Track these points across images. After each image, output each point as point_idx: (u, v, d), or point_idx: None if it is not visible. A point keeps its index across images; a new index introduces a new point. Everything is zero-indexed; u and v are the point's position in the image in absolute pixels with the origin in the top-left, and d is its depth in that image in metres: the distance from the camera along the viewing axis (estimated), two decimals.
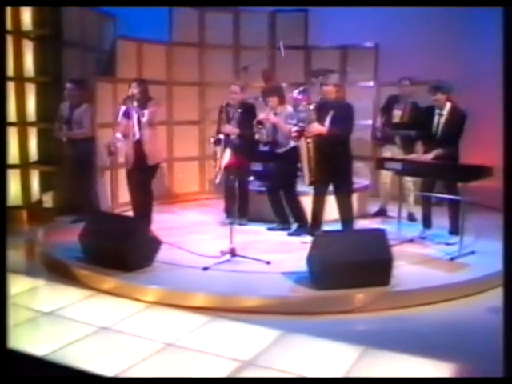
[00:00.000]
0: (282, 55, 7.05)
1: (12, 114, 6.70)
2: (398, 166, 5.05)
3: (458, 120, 5.12)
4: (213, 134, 6.13)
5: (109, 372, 3.12)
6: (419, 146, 5.55)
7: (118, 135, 5.57)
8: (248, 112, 5.87)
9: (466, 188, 4.98)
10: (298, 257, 4.57)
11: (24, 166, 6.87)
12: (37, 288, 4.65)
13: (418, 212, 5.98)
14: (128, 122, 5.60)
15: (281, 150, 5.83)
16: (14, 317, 3.80)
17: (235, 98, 5.94)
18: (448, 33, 7.38)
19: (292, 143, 5.68)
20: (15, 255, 5.63)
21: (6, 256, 2.75)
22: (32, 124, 6.92)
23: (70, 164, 6.36)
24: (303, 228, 5.60)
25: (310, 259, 4.25)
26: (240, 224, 6.08)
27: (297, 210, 5.72)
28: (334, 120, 5.11)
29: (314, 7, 7.72)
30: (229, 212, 6.05)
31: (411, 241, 5.36)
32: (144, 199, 5.81)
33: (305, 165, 5.17)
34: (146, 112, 5.58)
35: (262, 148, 6.35)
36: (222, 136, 5.83)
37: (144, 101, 5.68)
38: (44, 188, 7.07)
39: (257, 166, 6.39)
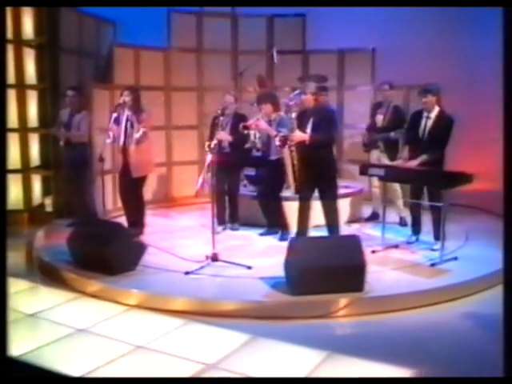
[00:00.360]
0: (275, 61, 7.16)
1: (13, 120, 6.96)
2: (381, 172, 5.12)
3: (445, 124, 5.14)
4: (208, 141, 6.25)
5: (75, 373, 3.28)
6: (405, 151, 5.60)
7: (108, 141, 5.76)
8: (240, 122, 5.98)
9: (461, 192, 5.03)
10: (280, 262, 4.66)
11: (25, 170, 7.12)
12: (25, 290, 4.83)
13: (409, 216, 6.03)
14: (118, 128, 5.80)
15: (274, 157, 5.94)
16: None
17: (229, 107, 6.05)
18: (445, 35, 7.42)
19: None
20: (12, 257, 5.87)
21: (6, 261, 2.86)
22: (33, 130, 7.16)
23: (67, 168, 6.57)
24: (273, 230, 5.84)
25: (286, 264, 4.35)
26: (232, 229, 6.23)
27: (278, 215, 5.84)
28: (314, 126, 5.19)
29: (312, 10, 7.82)
30: (220, 219, 6.19)
31: (397, 246, 5.43)
32: (135, 205, 6.00)
33: (290, 173, 5.27)
34: (140, 130, 5.73)
35: (255, 153, 6.51)
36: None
37: (136, 109, 5.86)
38: (46, 192, 7.33)
39: (250, 172, 6.53)
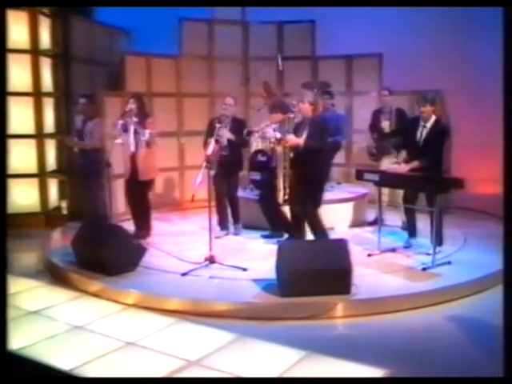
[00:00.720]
0: (280, 68, 7.33)
1: (31, 127, 7.33)
2: (375, 177, 5.24)
3: (440, 133, 5.27)
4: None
5: (65, 366, 3.52)
6: (401, 156, 5.69)
7: (118, 141, 6.02)
8: (239, 126, 6.16)
9: (471, 196, 5.09)
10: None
11: (42, 175, 7.46)
12: (32, 288, 5.11)
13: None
14: (125, 135, 6.06)
15: (276, 163, 6.10)
16: None
17: (229, 109, 6.23)
18: (453, 40, 7.49)
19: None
20: (25, 258, 6.24)
21: (6, 260, 3.08)
22: (50, 136, 7.51)
23: (80, 173, 6.87)
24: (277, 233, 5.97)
25: (277, 267, 4.53)
26: (234, 234, 6.42)
27: (279, 219, 6.00)
28: (309, 135, 5.32)
29: (321, 16, 7.97)
30: (222, 223, 6.41)
31: (394, 250, 5.54)
32: (141, 209, 6.26)
33: (280, 181, 5.40)
34: (147, 132, 5.98)
35: (260, 158, 6.70)
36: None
37: (142, 115, 6.11)
38: (62, 195, 7.68)
39: (255, 176, 6.72)
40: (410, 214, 5.63)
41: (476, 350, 3.72)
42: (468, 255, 5.42)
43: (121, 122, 5.98)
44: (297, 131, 5.45)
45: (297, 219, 5.54)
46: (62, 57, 7.23)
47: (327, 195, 6.70)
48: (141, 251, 5.17)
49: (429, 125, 5.31)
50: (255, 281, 4.77)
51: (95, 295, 4.83)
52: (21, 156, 7.27)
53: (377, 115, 6.70)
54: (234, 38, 8.28)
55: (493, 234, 5.41)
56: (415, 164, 5.22)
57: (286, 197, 5.48)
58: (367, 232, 6.39)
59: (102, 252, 4.94)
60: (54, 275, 5.39)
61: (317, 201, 5.46)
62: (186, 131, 8.15)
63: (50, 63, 7.38)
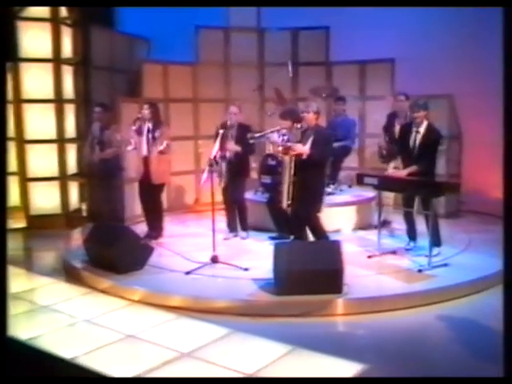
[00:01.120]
0: (290, 75, 7.59)
1: (53, 132, 7.78)
2: (374, 181, 5.45)
3: (433, 138, 5.43)
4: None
5: (67, 355, 3.86)
6: (398, 161, 5.88)
7: (130, 148, 6.38)
8: (245, 132, 6.40)
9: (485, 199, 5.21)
10: None
11: (63, 178, 7.90)
12: (46, 285, 5.50)
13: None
14: (139, 139, 6.41)
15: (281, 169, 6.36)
16: (16, 308, 4.76)
17: (233, 118, 6.49)
18: (464, 45, 7.62)
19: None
20: (44, 257, 6.67)
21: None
22: (71, 140, 7.94)
23: (98, 177, 7.24)
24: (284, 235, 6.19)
25: (274, 267, 4.79)
26: (241, 238, 6.69)
27: (283, 221, 6.26)
28: (313, 144, 5.54)
29: (335, 22, 8.22)
30: (231, 226, 6.71)
31: (394, 252, 5.73)
32: (154, 211, 6.60)
33: (285, 186, 5.64)
34: (164, 143, 6.27)
35: (270, 162, 6.98)
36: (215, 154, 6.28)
37: (156, 121, 6.45)
38: (82, 198, 8.11)
39: (266, 179, 7.00)
40: (408, 217, 5.80)
41: (464, 349, 3.90)
42: (467, 258, 5.58)
43: (133, 127, 6.34)
44: (302, 139, 5.69)
45: (298, 222, 5.77)
46: (82, 65, 7.65)
47: (335, 198, 6.98)
48: (148, 251, 5.50)
49: (422, 130, 5.48)
50: (254, 280, 5.04)
51: (104, 292, 5.18)
52: (43, 160, 7.74)
53: (391, 119, 6.83)
54: (249, 45, 8.59)
55: (499, 238, 5.53)
56: (413, 169, 5.40)
57: (290, 201, 5.72)
58: (372, 234, 6.57)
59: (111, 251, 5.29)
60: (68, 273, 5.77)
61: (316, 206, 5.68)
62: (202, 136, 8.46)
63: (71, 71, 7.82)
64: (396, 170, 5.75)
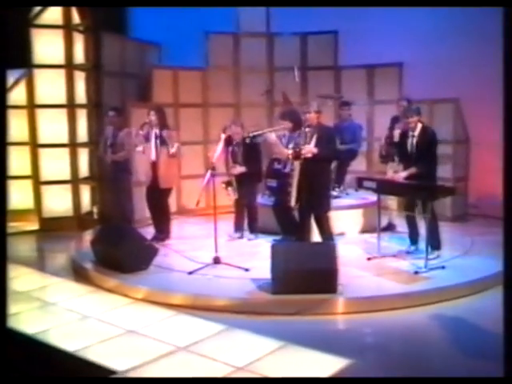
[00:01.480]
0: (297, 79, 7.88)
1: (65, 136, 8.19)
2: (373, 185, 5.71)
3: (428, 139, 5.68)
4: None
5: (70, 348, 4.19)
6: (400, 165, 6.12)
7: (139, 149, 6.73)
8: (252, 148, 6.77)
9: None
10: None
11: (75, 181, 8.29)
12: (54, 284, 5.86)
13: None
14: (147, 144, 6.75)
15: (287, 170, 6.65)
16: (26, 304, 5.17)
17: (237, 137, 6.83)
18: (472, 49, 7.82)
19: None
20: (55, 258, 7.05)
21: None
22: (83, 145, 8.34)
23: (109, 180, 7.60)
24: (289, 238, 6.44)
25: (271, 266, 5.07)
26: (248, 239, 6.98)
27: (291, 224, 6.53)
28: (317, 143, 5.82)
29: (343, 26, 8.48)
30: (237, 226, 7.02)
31: (394, 255, 5.97)
32: (161, 214, 6.94)
33: (295, 186, 5.92)
34: (175, 146, 6.63)
35: (276, 166, 7.26)
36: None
37: (163, 126, 6.78)
38: (94, 201, 8.49)
39: (272, 183, 7.28)
40: (410, 220, 6.03)
41: (457, 348, 4.12)
42: (465, 260, 5.79)
43: (141, 132, 6.68)
44: (304, 139, 5.95)
45: (304, 222, 6.03)
46: (94, 70, 8.03)
47: (339, 201, 7.24)
48: (153, 252, 5.83)
49: (416, 133, 5.74)
50: (253, 280, 5.32)
51: (109, 290, 5.51)
52: (56, 164, 8.14)
53: (393, 121, 7.10)
54: (258, 50, 8.90)
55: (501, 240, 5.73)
56: (411, 171, 5.64)
57: (297, 201, 6.00)
58: (376, 238, 6.80)
59: (117, 252, 5.63)
60: (77, 272, 6.13)
61: (325, 205, 5.95)
62: (212, 140, 8.79)
63: (83, 77, 8.22)
64: (396, 173, 5.98)
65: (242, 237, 7.00)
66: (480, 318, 4.61)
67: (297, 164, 6.16)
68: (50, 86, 8.03)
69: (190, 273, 5.60)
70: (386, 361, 3.97)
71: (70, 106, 8.15)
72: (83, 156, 8.40)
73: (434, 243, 5.74)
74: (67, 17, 8.04)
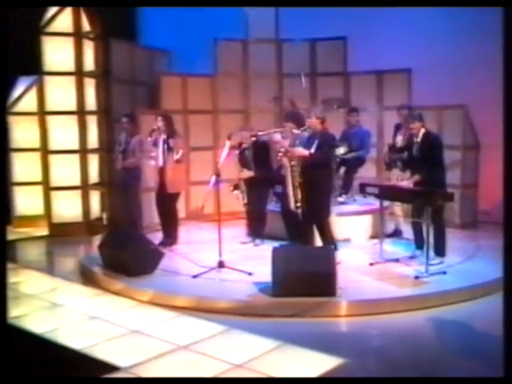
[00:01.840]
0: (303, 86, 8.19)
1: (75, 142, 8.59)
2: (375, 190, 5.98)
3: (430, 144, 5.94)
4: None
5: (78, 346, 4.53)
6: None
7: (153, 154, 7.11)
8: (261, 150, 7.12)
9: None
10: None
11: (84, 187, 8.68)
12: (62, 287, 6.23)
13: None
14: (155, 150, 7.10)
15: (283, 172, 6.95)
16: (35, 306, 5.56)
17: (247, 142, 7.21)
18: (481, 55, 8.05)
19: None
20: (64, 262, 7.43)
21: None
22: (93, 151, 8.73)
23: (119, 186, 7.93)
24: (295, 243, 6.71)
25: (271, 270, 5.36)
26: (254, 245, 7.30)
27: (298, 229, 6.81)
28: (318, 148, 6.12)
29: (352, 32, 8.78)
30: (250, 233, 7.42)
31: (397, 260, 6.22)
32: (169, 219, 7.28)
33: (290, 188, 6.24)
34: (180, 152, 6.96)
35: (282, 172, 7.56)
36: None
37: (170, 132, 7.12)
38: (103, 206, 8.87)
39: (278, 189, 7.58)
40: (415, 226, 6.28)
41: (454, 349, 4.40)
42: (468, 266, 6.03)
43: (150, 139, 7.03)
44: (308, 144, 6.26)
45: (306, 228, 6.33)
46: (104, 77, 8.43)
47: (346, 208, 7.52)
48: (159, 255, 6.16)
49: (419, 139, 6.00)
50: (255, 283, 5.62)
51: (116, 293, 5.85)
52: (66, 170, 8.54)
53: (396, 128, 7.40)
54: (267, 56, 9.22)
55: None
56: (415, 178, 5.91)
57: (298, 204, 6.30)
58: (383, 243, 7.06)
59: (124, 256, 5.97)
60: (85, 276, 6.49)
61: (325, 212, 6.23)
62: (221, 147, 9.10)
63: (93, 84, 8.62)
64: (398, 180, 6.26)
65: (250, 242, 7.31)
66: (480, 322, 4.85)
67: (286, 164, 6.44)
68: (60, 92, 8.44)
69: (195, 276, 5.91)
70: (382, 359, 4.24)
71: (80, 112, 8.55)
72: (93, 162, 8.78)
73: (439, 249, 5.98)
74: (77, 24, 8.45)
